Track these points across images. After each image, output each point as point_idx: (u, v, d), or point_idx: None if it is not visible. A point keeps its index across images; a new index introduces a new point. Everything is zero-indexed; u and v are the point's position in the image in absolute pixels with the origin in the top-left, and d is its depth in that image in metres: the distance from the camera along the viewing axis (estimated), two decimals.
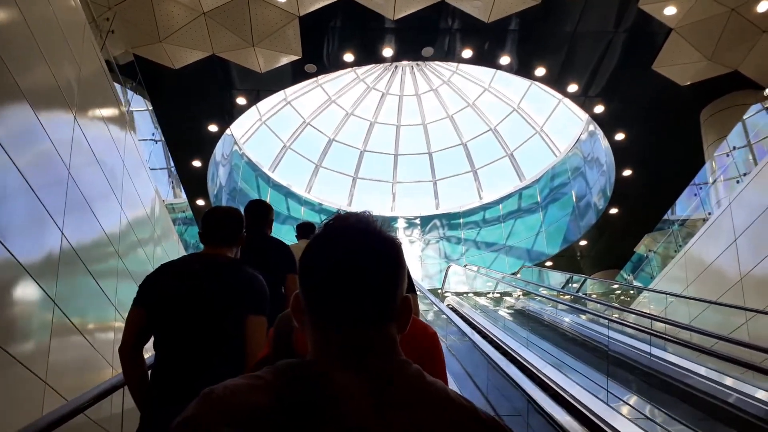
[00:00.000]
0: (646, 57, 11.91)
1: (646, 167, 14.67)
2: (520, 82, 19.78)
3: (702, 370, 5.56)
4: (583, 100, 13.46)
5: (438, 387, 0.87)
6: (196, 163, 14.73)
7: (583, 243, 18.34)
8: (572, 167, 19.11)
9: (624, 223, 16.64)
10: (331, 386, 0.82)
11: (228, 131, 16.91)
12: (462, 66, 20.60)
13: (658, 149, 14.00)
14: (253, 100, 13.44)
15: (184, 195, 12.95)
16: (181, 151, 13.76)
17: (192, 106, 13.14)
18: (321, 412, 0.79)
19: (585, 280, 16.53)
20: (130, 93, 10.09)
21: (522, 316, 10.29)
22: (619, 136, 14.09)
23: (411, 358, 0.92)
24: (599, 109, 13.47)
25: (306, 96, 20.41)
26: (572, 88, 13.02)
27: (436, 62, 20.71)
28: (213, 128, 13.86)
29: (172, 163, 11.97)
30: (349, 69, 19.86)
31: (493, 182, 22.43)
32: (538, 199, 20.61)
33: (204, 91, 12.80)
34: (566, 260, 19.18)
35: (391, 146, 23.17)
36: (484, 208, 22.11)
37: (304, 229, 5.25)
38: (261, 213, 3.93)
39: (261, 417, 0.77)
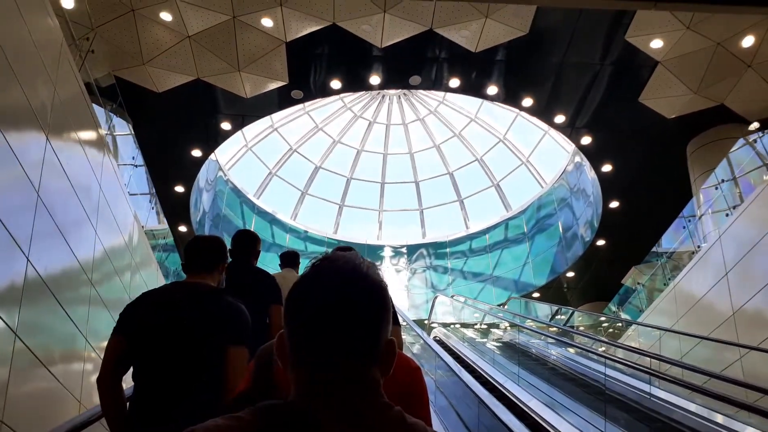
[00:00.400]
0: (633, 89, 11.96)
1: (633, 199, 14.65)
2: (506, 114, 19.89)
3: (693, 407, 5.37)
4: (570, 130, 13.46)
5: (419, 428, 0.87)
6: (179, 189, 14.47)
7: (570, 274, 18.21)
8: (558, 198, 19.09)
9: (611, 255, 16.55)
10: (312, 427, 0.81)
11: (213, 157, 16.71)
12: (449, 96, 20.70)
13: (645, 181, 14.00)
14: (239, 125, 13.29)
15: (164, 221, 12.66)
16: (164, 176, 13.51)
17: (175, 130, 12.96)
18: None
19: (572, 313, 16.36)
20: (111, 116, 9.89)
21: (511, 349, 10.05)
22: (606, 168, 14.09)
23: (393, 392, 0.93)
24: (586, 140, 13.48)
25: (293, 123, 20.32)
26: (559, 118, 13.02)
27: (423, 92, 20.80)
28: (197, 153, 13.65)
29: (153, 189, 11.70)
30: (336, 97, 19.86)
31: (480, 212, 22.38)
32: (525, 230, 20.53)
33: (188, 115, 12.62)
34: (553, 291, 19.02)
35: (377, 174, 23.09)
36: (471, 237, 21.97)
37: (288, 258, 5.11)
38: (247, 243, 3.93)
39: None
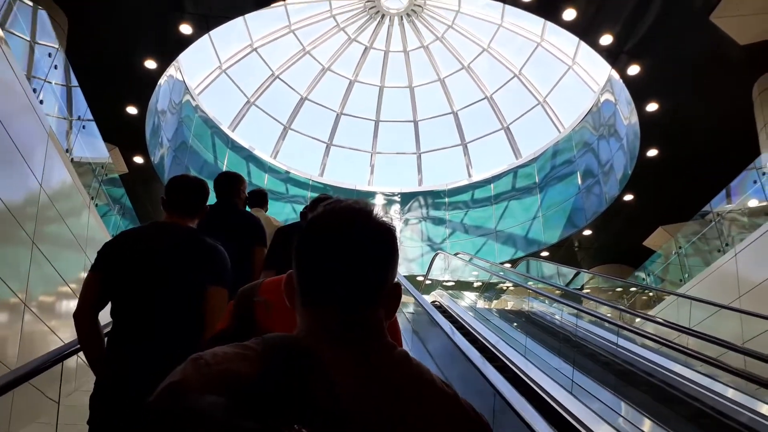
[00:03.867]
0: (704, 3, 9.37)
1: (679, 147, 12.22)
2: (525, 44, 17.27)
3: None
4: (614, 57, 10.88)
5: (423, 370, 0.90)
6: (131, 110, 11.80)
7: (587, 233, 15.95)
8: (580, 143, 16.63)
9: (638, 211, 14.33)
10: (318, 361, 0.80)
11: (178, 76, 14.04)
12: (459, 20, 17.95)
13: (697, 126, 11.59)
14: (203, 28, 10.46)
15: (103, 149, 10.07)
16: (109, 93, 10.91)
17: (122, 33, 10.21)
18: (307, 385, 0.77)
19: (591, 278, 14.22)
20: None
21: (544, 330, 7.77)
22: (651, 107, 11.58)
23: None
24: (633, 69, 10.90)
25: (275, 44, 17.56)
26: (605, 39, 10.41)
27: (430, 12, 18.04)
28: (151, 64, 10.92)
29: (87, 108, 9.08)
30: (327, 13, 17.16)
31: (485, 159, 20.18)
32: (536, 180, 18.12)
33: (137, 13, 9.89)
34: (564, 251, 16.83)
35: (372, 110, 20.53)
36: (474, 187, 19.59)
37: (255, 197, 4.82)
38: (231, 184, 3.91)
39: (248, 386, 0.75)
